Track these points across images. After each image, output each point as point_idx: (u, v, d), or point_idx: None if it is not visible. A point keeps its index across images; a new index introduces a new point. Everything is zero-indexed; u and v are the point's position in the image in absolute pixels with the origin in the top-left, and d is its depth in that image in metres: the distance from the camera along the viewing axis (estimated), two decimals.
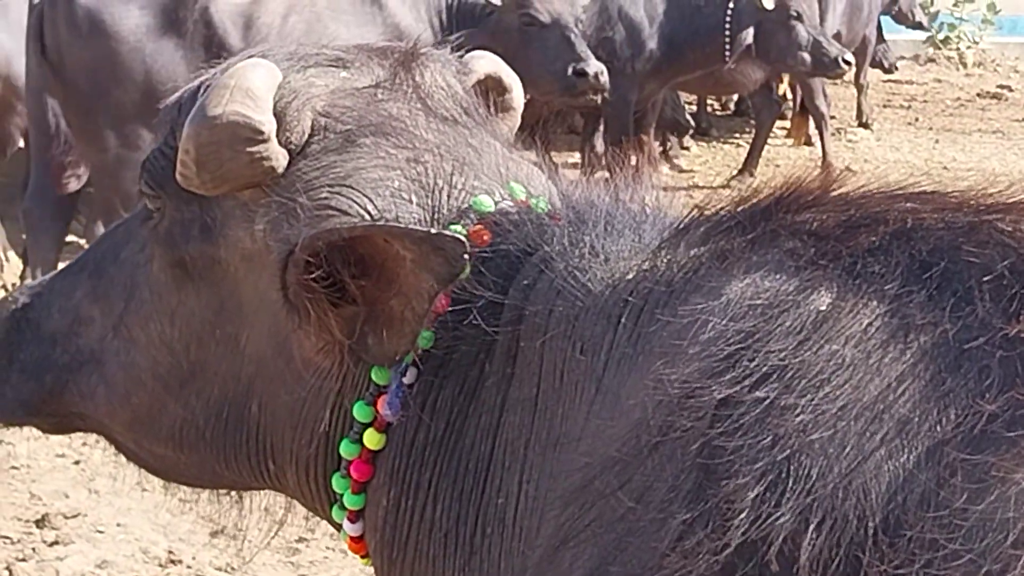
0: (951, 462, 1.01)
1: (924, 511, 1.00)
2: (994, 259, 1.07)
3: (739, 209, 1.16)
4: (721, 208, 1.18)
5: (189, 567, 3.44)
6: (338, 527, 1.33)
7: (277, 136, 1.25)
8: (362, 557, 1.32)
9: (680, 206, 1.29)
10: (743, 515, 0.98)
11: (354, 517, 1.28)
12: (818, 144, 8.71)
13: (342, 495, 1.26)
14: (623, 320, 1.12)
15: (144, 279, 1.40)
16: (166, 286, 1.37)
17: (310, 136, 1.29)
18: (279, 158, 1.25)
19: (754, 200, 1.16)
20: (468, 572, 1.20)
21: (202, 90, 1.29)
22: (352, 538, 1.30)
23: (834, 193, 1.16)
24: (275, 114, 1.24)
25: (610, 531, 1.06)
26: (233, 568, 3.31)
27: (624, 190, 1.27)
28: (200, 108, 1.24)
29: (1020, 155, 9.34)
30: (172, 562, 3.46)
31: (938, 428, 1.02)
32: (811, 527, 0.98)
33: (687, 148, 9.10)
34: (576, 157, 7.85)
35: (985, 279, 1.06)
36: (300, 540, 3.26)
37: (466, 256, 1.13)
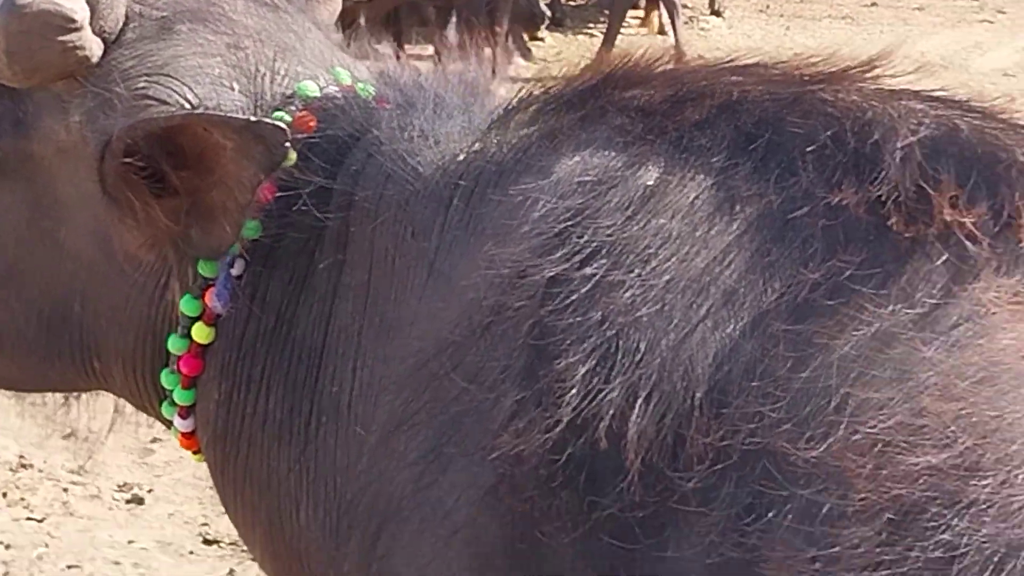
0: (775, 332, 1.06)
1: (748, 381, 1.05)
2: (817, 129, 1.12)
3: (568, 88, 1.19)
4: (550, 88, 1.20)
5: (40, 471, 3.42)
6: (168, 424, 1.32)
7: (90, 24, 1.21)
8: (194, 453, 1.33)
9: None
10: (573, 392, 1.03)
11: (184, 413, 1.28)
12: (671, 33, 8.89)
13: (172, 391, 1.26)
14: (454, 202, 1.14)
15: None
16: None
17: (125, 24, 1.25)
18: (93, 47, 1.22)
19: (583, 79, 1.19)
20: (303, 462, 1.22)
21: None
22: (183, 434, 1.31)
23: (660, 69, 1.20)
24: (88, 1, 1.19)
25: (444, 413, 1.10)
26: (85, 471, 3.30)
27: (454, 74, 1.27)
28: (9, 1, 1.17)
29: (869, 40, 9.80)
30: (23, 466, 3.43)
31: (763, 299, 1.07)
32: (639, 401, 1.04)
33: (541, 39, 9.15)
34: (431, 50, 7.81)
35: (808, 149, 1.11)
36: (154, 440, 3.26)
37: (288, 144, 1.13)
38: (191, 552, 3.35)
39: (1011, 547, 0.98)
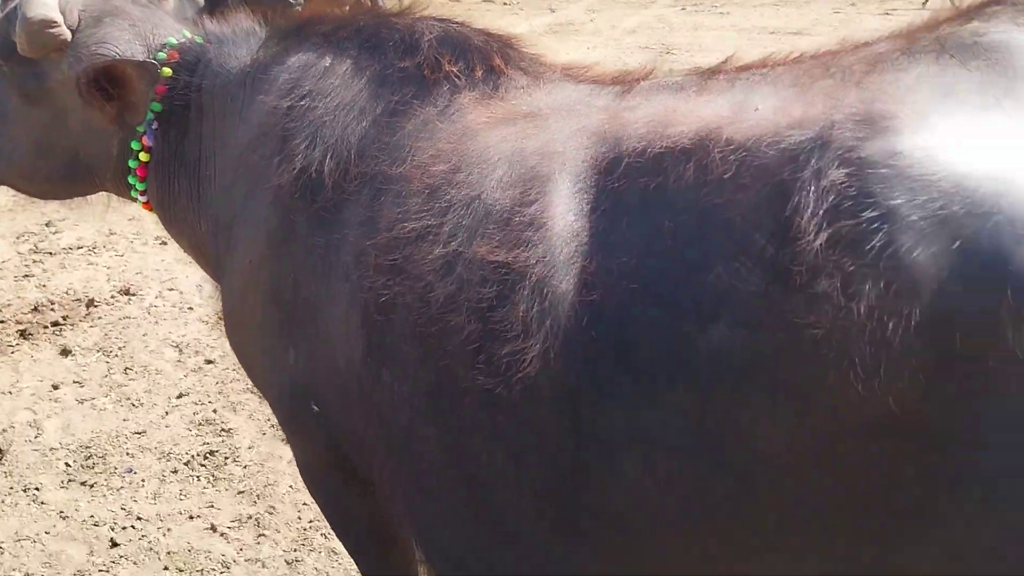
0: (381, 123, 1.94)
1: (372, 144, 1.90)
2: (393, 33, 2.09)
3: (292, 25, 2.40)
4: (284, 27, 2.42)
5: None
6: (134, 200, 2.57)
7: (64, 23, 2.32)
8: (150, 211, 2.55)
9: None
10: (299, 156, 2.01)
11: (142, 194, 2.49)
12: None
13: (135, 185, 2.47)
14: (247, 82, 2.28)
15: (10, 106, 2.47)
16: (21, 108, 2.46)
17: (79, 22, 2.35)
18: (67, 34, 2.32)
19: (299, 20, 2.42)
20: (197, 204, 2.36)
21: (19, 6, 2.38)
22: (144, 203, 2.51)
23: (335, 14, 2.43)
24: (60, 11, 2.32)
25: (251, 172, 2.15)
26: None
27: (241, 25, 2.44)
28: (22, 15, 2.31)
29: None
30: None
31: (376, 109, 1.98)
32: (328, 156, 1.96)
33: None
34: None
35: (390, 43, 2.07)
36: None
37: (162, 68, 2.30)
38: None
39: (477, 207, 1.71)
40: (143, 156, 2.42)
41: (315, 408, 2.01)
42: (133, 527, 3.73)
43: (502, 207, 1.71)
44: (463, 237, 1.71)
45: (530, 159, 1.75)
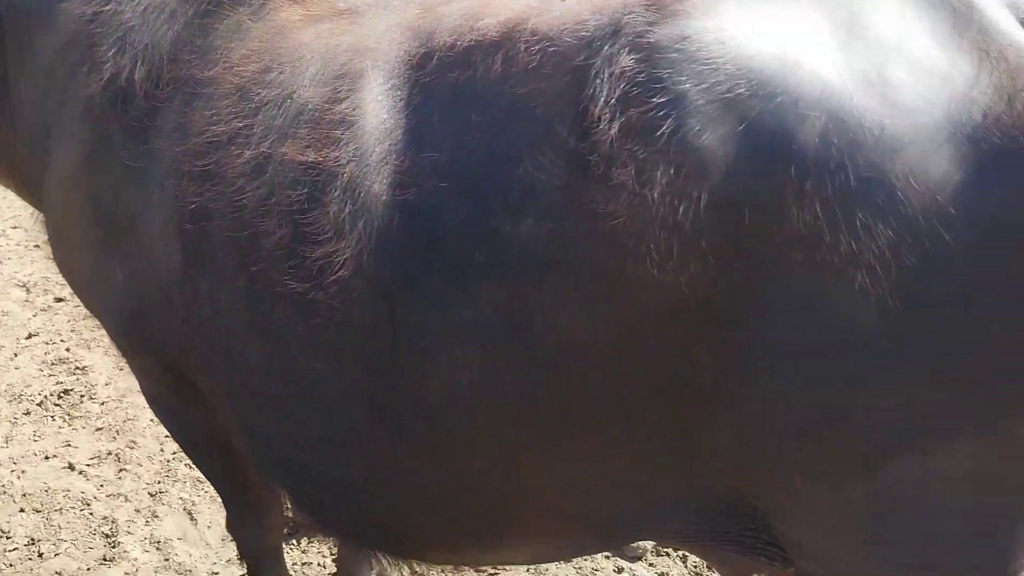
0: (193, 24, 1.84)
1: (185, 47, 1.83)
2: None
3: None
4: None
5: None
6: None
7: None
8: None
9: None
10: (109, 63, 1.88)
11: None
12: None
13: None
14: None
15: None
16: None
17: None
18: None
19: None
20: (15, 116, 2.17)
21: None
22: None
23: None
24: None
25: (58, 88, 2.02)
26: None
27: None
28: None
29: None
30: None
31: (187, 11, 1.87)
32: (138, 62, 1.86)
33: None
34: None
35: None
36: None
37: None
38: None
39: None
40: None
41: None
42: None
43: (313, 106, 1.67)
44: (274, 138, 1.67)
45: (343, 56, 1.71)
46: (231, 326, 1.75)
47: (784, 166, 1.33)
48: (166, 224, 1.81)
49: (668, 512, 1.66)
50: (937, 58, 1.36)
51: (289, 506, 3.25)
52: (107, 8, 1.97)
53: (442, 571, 3.10)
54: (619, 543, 1.88)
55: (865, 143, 1.32)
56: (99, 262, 2.01)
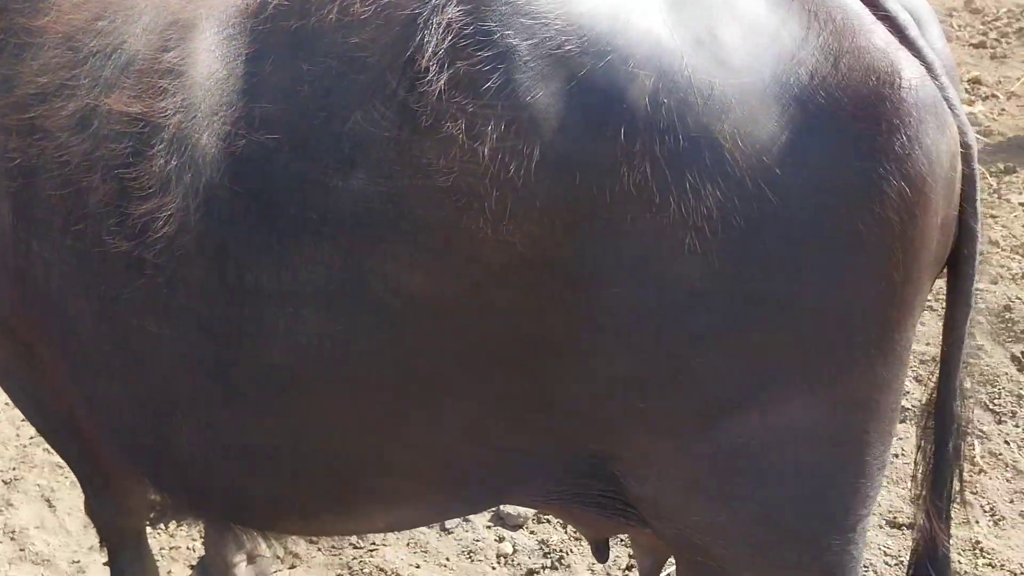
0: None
1: (16, 2, 1.71)
2: None
3: None
4: None
5: None
6: None
7: None
8: None
9: None
10: None
11: None
12: None
13: None
14: None
15: None
16: None
17: None
18: None
19: None
20: None
21: None
22: None
23: None
24: None
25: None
26: None
27: None
28: None
29: None
30: None
31: None
32: None
33: None
34: None
35: None
36: None
37: None
38: None
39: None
40: None
41: None
42: None
43: (143, 56, 1.59)
44: (100, 89, 1.58)
45: (176, 5, 1.63)
46: (61, 289, 1.66)
47: (614, 125, 1.32)
48: None
49: (528, 473, 1.65)
50: (767, 19, 1.36)
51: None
52: None
53: (310, 542, 3.03)
54: (483, 507, 1.86)
55: (694, 103, 1.31)
56: None
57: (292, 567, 3.09)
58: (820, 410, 1.43)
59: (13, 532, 3.16)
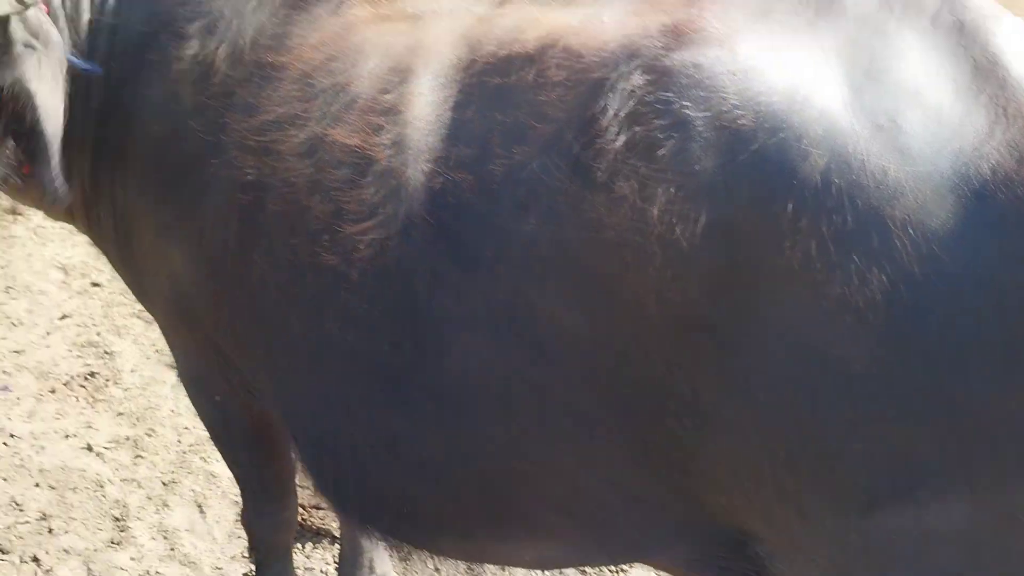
0: (281, 15, 1.89)
1: (267, 35, 1.90)
2: None
3: None
4: None
5: None
6: None
7: None
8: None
9: None
10: (195, 41, 1.94)
11: None
12: None
13: None
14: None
15: None
16: None
17: None
18: None
19: None
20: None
21: None
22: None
23: None
24: None
25: (143, 68, 2.03)
26: None
27: None
28: None
29: None
30: None
31: (275, 1, 1.92)
32: (222, 46, 1.91)
33: None
34: None
35: None
36: None
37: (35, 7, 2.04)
38: None
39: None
40: None
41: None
42: (5, 444, 3.66)
43: (366, 95, 1.76)
44: (327, 122, 1.76)
45: (399, 53, 1.80)
46: (275, 296, 1.83)
47: (782, 200, 1.36)
48: (225, 197, 1.90)
49: (671, 535, 1.68)
50: (952, 108, 1.37)
51: (304, 505, 3.30)
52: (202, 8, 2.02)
53: (455, 569, 3.11)
54: (624, 559, 1.91)
55: (866, 186, 1.33)
56: (159, 243, 2.08)
57: None
58: (980, 516, 1.39)
59: (166, 532, 3.38)
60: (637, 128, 1.43)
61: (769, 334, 1.39)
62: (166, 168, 2.03)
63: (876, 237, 1.32)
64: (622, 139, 1.43)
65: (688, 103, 1.40)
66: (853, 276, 1.32)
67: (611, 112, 1.45)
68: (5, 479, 3.50)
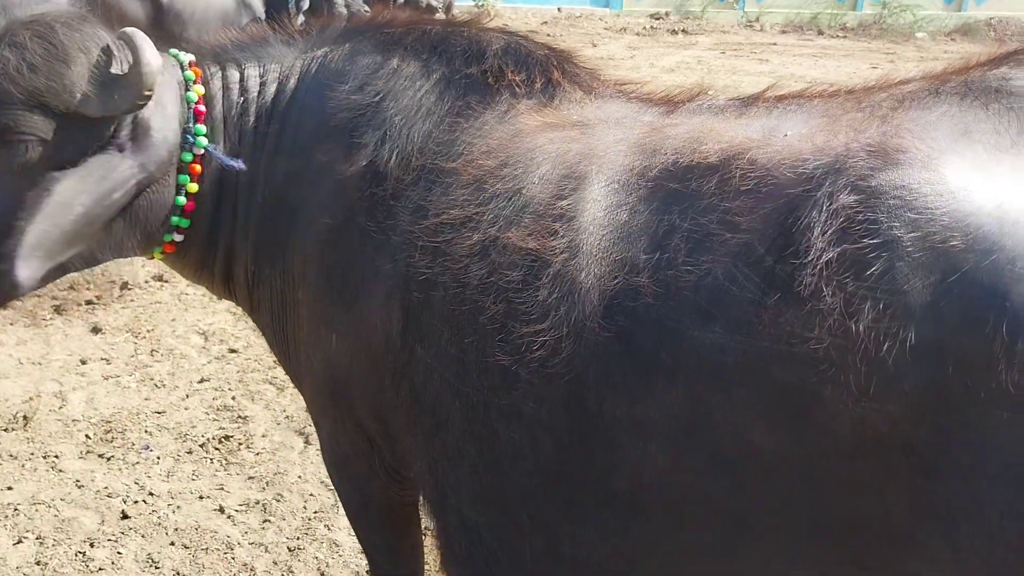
0: (444, 122, 1.98)
1: (432, 141, 1.98)
2: (461, 42, 2.17)
3: (357, 26, 2.47)
4: (352, 27, 2.47)
5: None
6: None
7: None
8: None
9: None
10: (368, 150, 2.04)
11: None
12: None
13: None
14: (304, 81, 2.34)
15: None
16: None
17: None
18: None
19: (364, 24, 2.50)
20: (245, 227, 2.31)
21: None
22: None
23: (402, 19, 2.52)
24: None
25: (314, 169, 2.13)
26: None
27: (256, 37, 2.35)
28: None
29: None
30: None
31: (442, 108, 2.01)
32: (393, 154, 2.00)
33: None
34: None
35: (459, 50, 2.15)
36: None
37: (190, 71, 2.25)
38: None
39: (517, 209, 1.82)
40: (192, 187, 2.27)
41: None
42: (144, 501, 3.82)
43: (539, 200, 1.81)
44: (501, 225, 1.82)
45: (571, 159, 1.85)
46: (439, 390, 1.87)
47: (996, 322, 1.34)
48: (391, 293, 1.96)
49: None
50: None
51: None
52: (373, 100, 2.13)
53: None
54: None
55: None
56: (318, 330, 2.16)
57: None
58: None
59: None
60: (847, 246, 1.44)
61: (978, 461, 1.36)
62: (330, 259, 2.12)
63: None
64: (830, 256, 1.44)
65: (897, 224, 1.42)
66: None
67: (818, 229, 1.46)
68: (143, 536, 3.65)
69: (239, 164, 2.23)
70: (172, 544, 3.61)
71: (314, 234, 2.16)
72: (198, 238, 2.32)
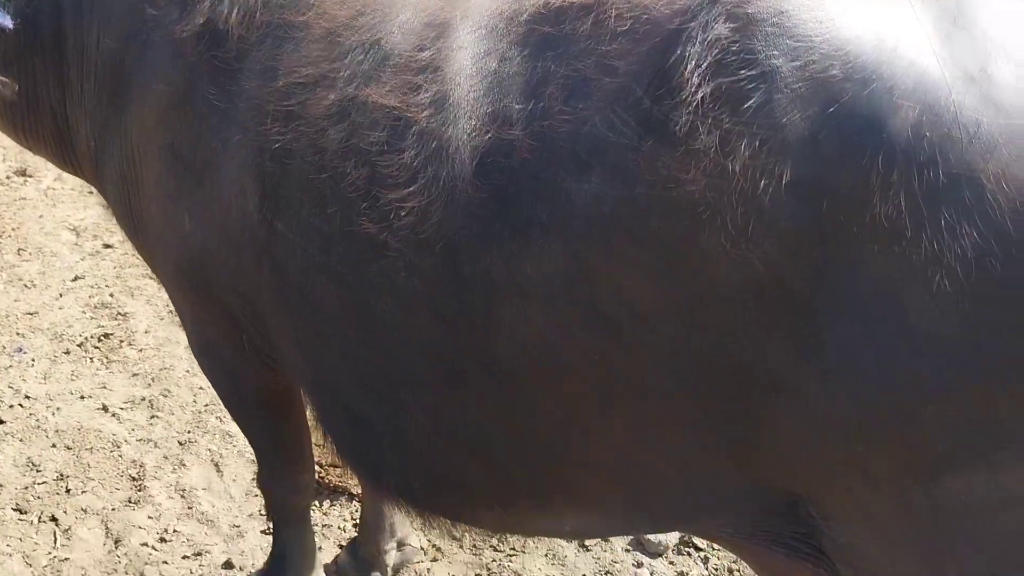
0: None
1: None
2: None
3: None
4: None
5: None
6: None
7: None
8: None
9: None
10: (204, 7, 1.88)
11: None
12: None
13: None
14: None
15: None
16: None
17: None
18: None
19: None
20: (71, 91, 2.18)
21: None
22: None
23: None
24: None
25: (145, 32, 1.97)
26: None
27: None
28: None
29: None
30: None
31: None
32: (234, 9, 1.82)
33: None
34: None
35: None
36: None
37: None
38: None
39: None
40: None
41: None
42: (21, 405, 3.66)
43: (400, 52, 1.68)
44: (358, 82, 1.68)
45: (433, 5, 1.71)
46: (304, 266, 1.76)
47: (872, 154, 1.30)
48: (244, 165, 1.82)
49: (720, 504, 1.64)
50: None
51: (321, 465, 3.27)
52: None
53: (453, 538, 3.10)
54: (668, 528, 1.86)
55: (959, 140, 1.28)
56: (167, 209, 2.02)
57: (434, 560, 3.16)
58: None
59: (183, 491, 3.37)
60: (722, 79, 1.35)
61: (849, 296, 1.34)
62: (174, 132, 1.96)
63: (968, 192, 1.27)
64: (704, 92, 1.36)
65: (775, 52, 1.34)
66: (943, 232, 1.27)
67: (692, 64, 1.37)
68: (22, 440, 3.50)
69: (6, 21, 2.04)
70: (54, 446, 3.48)
71: (153, 104, 1.98)
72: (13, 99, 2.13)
